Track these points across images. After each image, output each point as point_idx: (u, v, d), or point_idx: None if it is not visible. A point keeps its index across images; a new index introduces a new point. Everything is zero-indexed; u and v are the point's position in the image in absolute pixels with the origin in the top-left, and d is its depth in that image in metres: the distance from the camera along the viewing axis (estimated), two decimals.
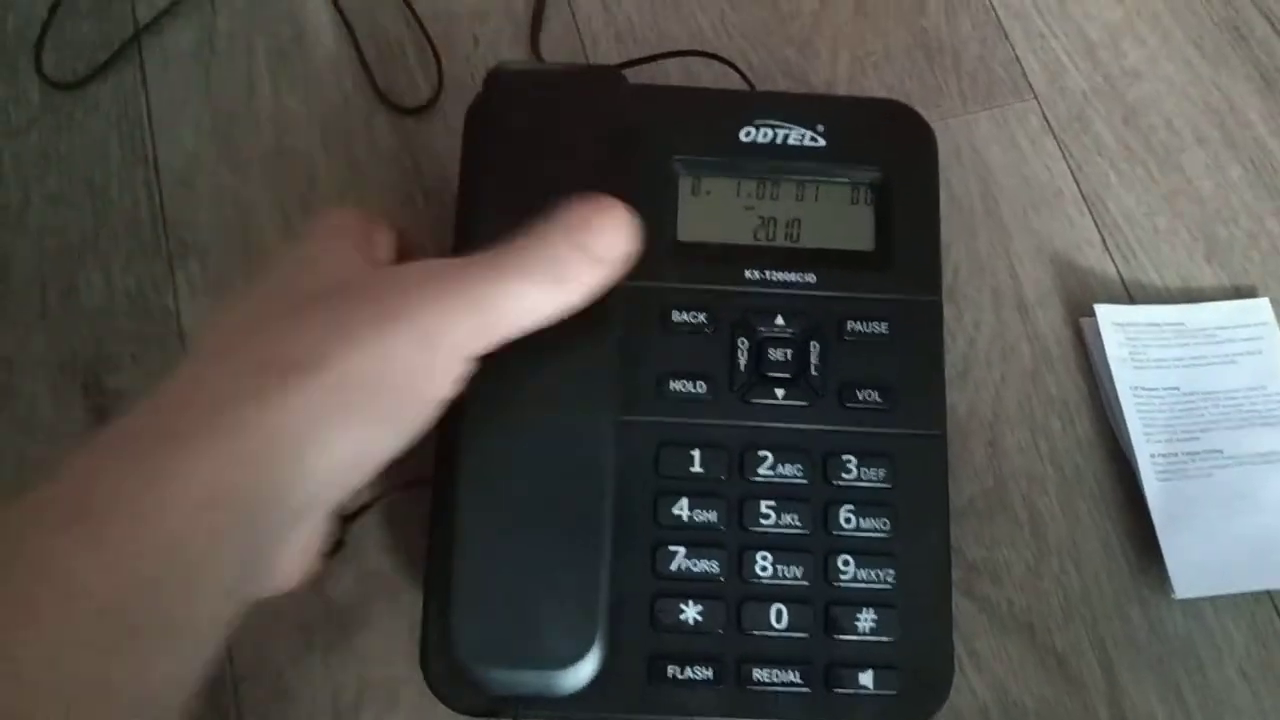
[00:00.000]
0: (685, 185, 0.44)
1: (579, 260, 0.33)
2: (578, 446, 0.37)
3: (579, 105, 0.42)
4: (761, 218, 0.44)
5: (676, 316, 0.42)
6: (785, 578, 0.39)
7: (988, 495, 0.46)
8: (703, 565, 0.39)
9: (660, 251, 0.42)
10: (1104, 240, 0.52)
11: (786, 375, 0.41)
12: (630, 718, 0.38)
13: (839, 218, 0.44)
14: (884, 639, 0.39)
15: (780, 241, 0.44)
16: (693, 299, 0.42)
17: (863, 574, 0.39)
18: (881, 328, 0.42)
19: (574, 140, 0.41)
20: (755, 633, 0.39)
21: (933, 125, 0.47)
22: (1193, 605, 0.44)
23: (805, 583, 0.39)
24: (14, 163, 0.51)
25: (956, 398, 0.47)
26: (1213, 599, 0.44)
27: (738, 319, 0.42)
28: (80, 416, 0.47)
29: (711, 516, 0.40)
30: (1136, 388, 0.47)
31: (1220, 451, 0.46)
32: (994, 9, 0.57)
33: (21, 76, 0.53)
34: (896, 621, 0.39)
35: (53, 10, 0.54)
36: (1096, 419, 0.48)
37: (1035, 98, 0.55)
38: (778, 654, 0.39)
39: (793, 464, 0.40)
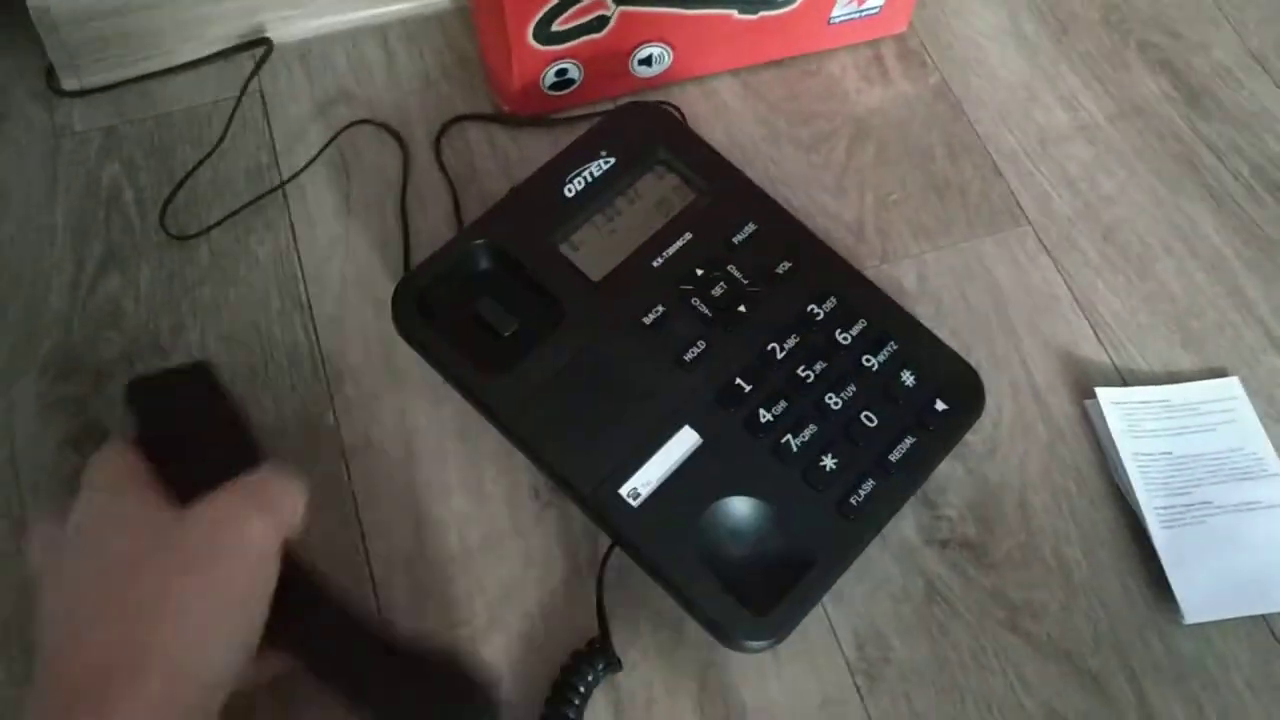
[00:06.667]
0: (566, 248, 0.57)
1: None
2: None
3: None
4: (627, 225, 0.58)
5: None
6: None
7: (1023, 548, 0.56)
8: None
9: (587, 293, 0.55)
10: (1097, 336, 0.63)
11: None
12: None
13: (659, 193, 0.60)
14: (923, 377, 0.55)
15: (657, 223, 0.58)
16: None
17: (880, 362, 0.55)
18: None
19: None
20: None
21: (946, 250, 0.58)
22: (1200, 630, 0.54)
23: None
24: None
25: (989, 470, 0.58)
26: (1217, 623, 0.54)
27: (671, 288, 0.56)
28: None
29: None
30: (1136, 454, 0.57)
31: (1210, 502, 0.56)
32: (989, 153, 0.69)
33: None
34: (920, 364, 0.55)
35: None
36: (1105, 481, 0.58)
37: (1029, 224, 0.67)
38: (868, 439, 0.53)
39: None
